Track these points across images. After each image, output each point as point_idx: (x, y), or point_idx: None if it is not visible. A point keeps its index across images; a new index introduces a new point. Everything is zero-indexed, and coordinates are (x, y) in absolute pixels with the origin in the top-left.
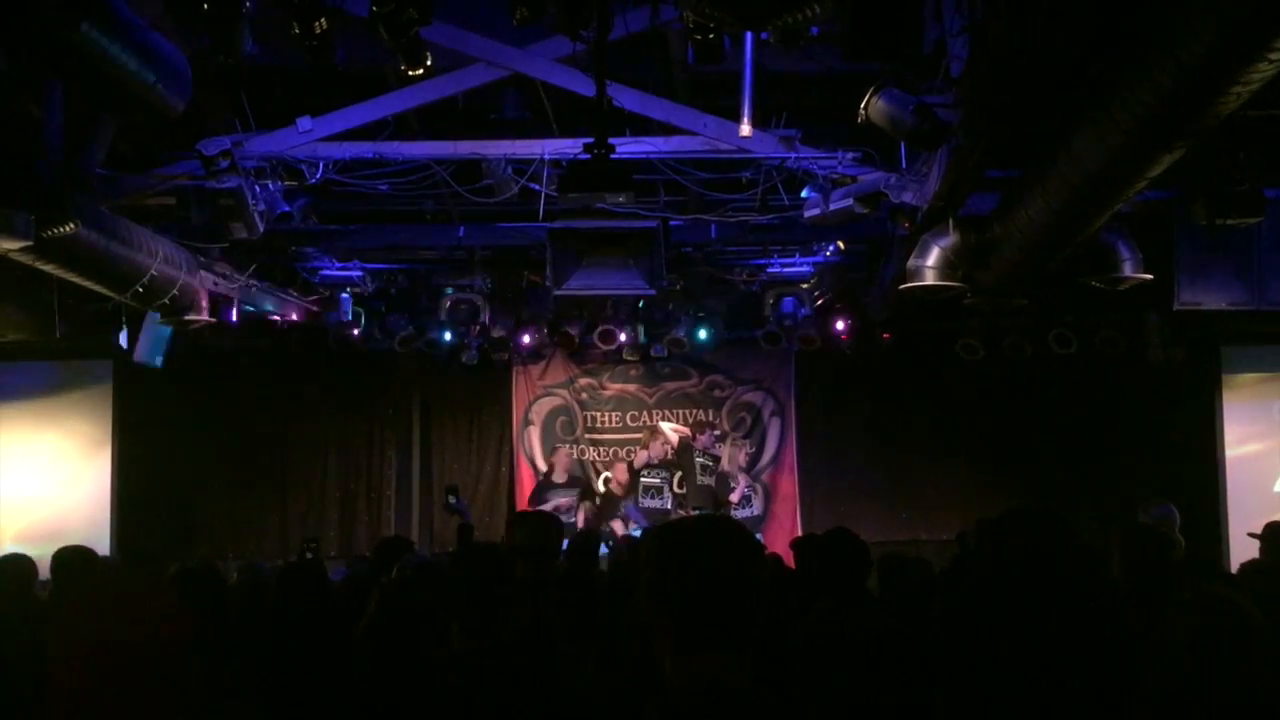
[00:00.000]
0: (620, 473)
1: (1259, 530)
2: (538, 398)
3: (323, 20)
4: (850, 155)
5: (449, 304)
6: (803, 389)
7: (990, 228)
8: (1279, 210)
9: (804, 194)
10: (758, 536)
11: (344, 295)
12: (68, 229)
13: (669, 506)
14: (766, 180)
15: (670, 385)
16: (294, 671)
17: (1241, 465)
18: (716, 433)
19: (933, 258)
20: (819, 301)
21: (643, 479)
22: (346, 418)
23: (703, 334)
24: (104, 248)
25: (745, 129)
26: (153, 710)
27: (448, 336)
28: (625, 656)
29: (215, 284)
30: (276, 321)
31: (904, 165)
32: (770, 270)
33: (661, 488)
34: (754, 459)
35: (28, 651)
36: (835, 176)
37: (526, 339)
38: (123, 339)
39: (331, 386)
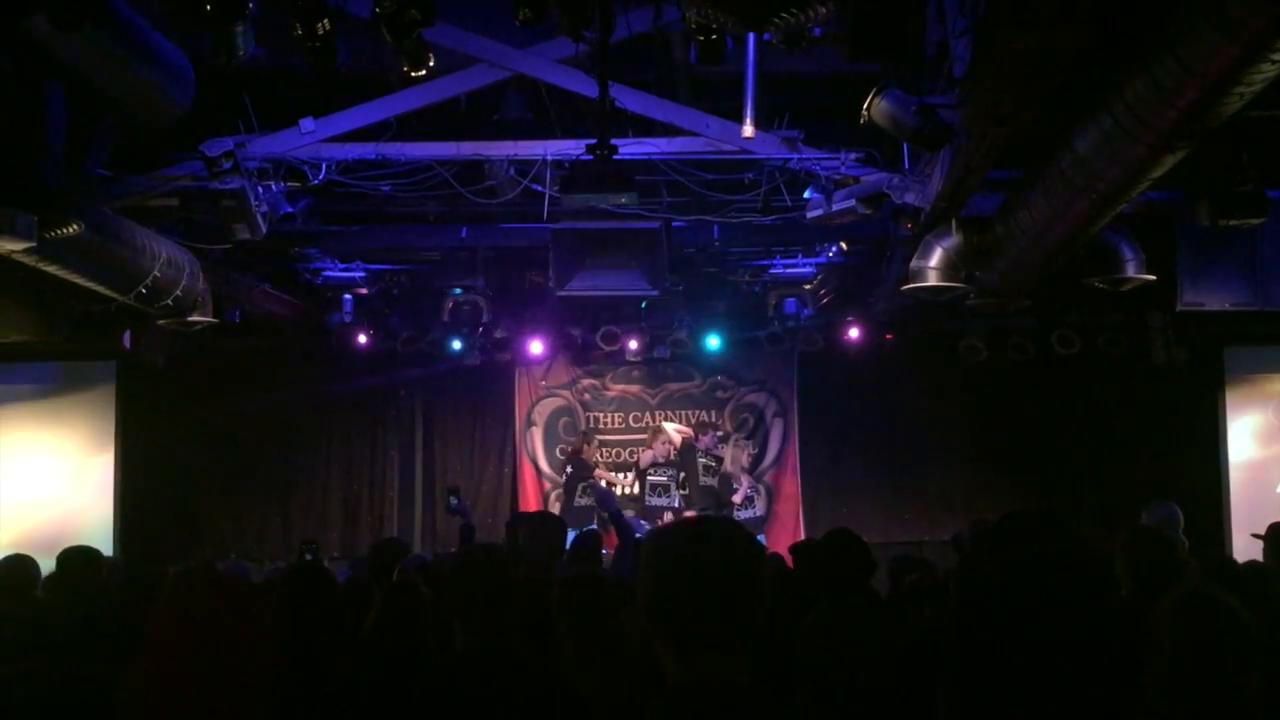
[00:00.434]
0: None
1: (1262, 531)
2: (540, 398)
3: (325, 21)
4: (853, 156)
5: (451, 305)
6: (805, 390)
7: (993, 229)
8: None
9: (806, 195)
10: (760, 537)
11: (346, 296)
12: (70, 230)
13: (676, 505)
14: (769, 181)
15: (673, 386)
16: (297, 672)
17: (1244, 466)
18: (719, 433)
19: (935, 259)
20: (822, 302)
21: (649, 478)
22: (349, 419)
23: (711, 343)
24: (107, 249)
25: (748, 130)
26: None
27: (450, 338)
28: (627, 657)
29: (218, 285)
30: (279, 323)
31: (907, 166)
32: (773, 271)
33: (668, 485)
34: (757, 460)
35: (29, 651)
36: (838, 177)
37: (529, 340)
38: (126, 340)
39: (334, 388)
